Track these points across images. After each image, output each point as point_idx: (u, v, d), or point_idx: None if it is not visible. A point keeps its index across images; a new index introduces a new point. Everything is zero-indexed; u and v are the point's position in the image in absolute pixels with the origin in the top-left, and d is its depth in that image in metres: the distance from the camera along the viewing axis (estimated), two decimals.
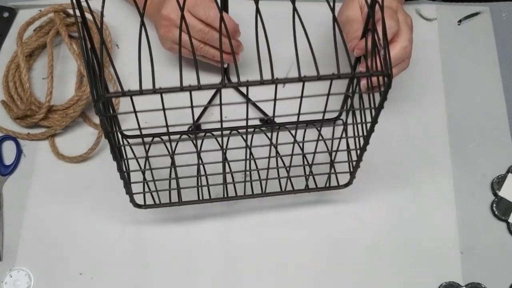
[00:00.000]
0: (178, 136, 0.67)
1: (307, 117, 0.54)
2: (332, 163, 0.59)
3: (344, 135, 0.61)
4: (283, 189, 0.60)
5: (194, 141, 0.54)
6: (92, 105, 0.68)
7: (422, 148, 0.68)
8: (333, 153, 0.57)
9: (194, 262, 0.63)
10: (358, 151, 0.55)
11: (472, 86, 0.72)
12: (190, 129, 0.64)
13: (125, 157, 0.54)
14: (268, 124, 0.55)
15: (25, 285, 0.61)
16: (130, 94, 0.41)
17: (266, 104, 0.68)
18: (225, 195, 0.60)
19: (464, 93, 0.72)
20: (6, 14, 0.76)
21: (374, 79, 0.53)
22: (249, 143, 0.62)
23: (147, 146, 0.64)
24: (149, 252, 0.63)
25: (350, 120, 0.64)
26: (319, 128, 0.59)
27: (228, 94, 0.70)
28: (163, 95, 0.42)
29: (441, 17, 0.76)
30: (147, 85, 0.41)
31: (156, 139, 0.66)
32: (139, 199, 0.59)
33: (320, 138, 0.55)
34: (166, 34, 0.65)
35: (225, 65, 0.71)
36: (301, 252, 0.63)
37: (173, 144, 0.67)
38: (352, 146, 0.60)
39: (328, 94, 0.46)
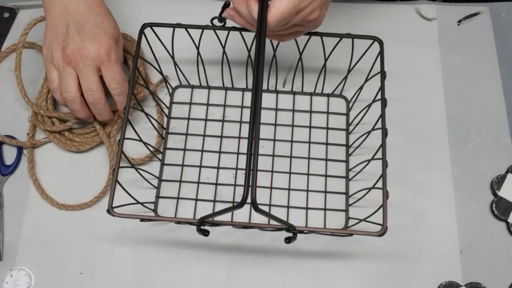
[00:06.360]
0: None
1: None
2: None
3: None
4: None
5: None
6: None
7: (421, 148, 0.68)
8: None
9: (194, 260, 0.63)
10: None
11: (472, 86, 0.72)
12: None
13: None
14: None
15: (25, 285, 0.61)
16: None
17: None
18: None
19: (464, 93, 0.72)
20: (6, 15, 0.76)
21: None
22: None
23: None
24: (149, 252, 0.63)
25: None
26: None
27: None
28: None
29: (441, 17, 0.76)
30: None
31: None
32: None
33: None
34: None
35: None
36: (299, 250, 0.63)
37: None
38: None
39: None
